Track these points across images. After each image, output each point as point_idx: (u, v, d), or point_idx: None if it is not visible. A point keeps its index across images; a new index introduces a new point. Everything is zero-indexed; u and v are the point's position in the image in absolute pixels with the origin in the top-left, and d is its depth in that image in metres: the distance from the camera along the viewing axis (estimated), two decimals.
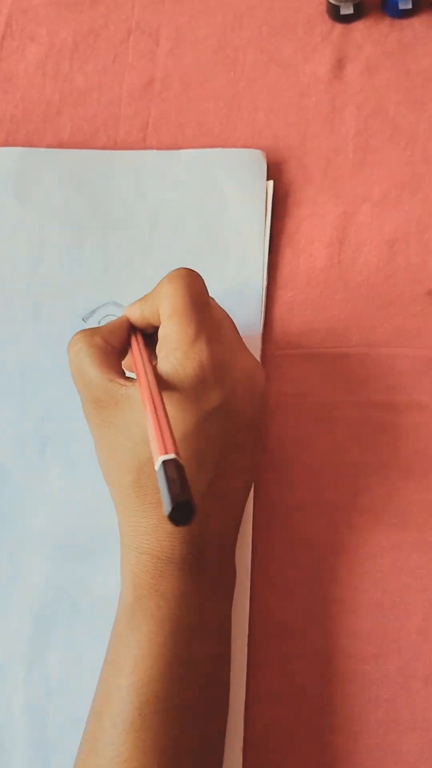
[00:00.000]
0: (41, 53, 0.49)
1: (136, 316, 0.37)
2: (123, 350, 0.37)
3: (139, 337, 0.37)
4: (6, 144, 0.46)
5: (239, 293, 0.42)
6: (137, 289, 0.43)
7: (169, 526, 0.32)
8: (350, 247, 0.43)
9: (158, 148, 0.46)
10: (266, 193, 0.43)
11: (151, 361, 0.35)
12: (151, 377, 0.32)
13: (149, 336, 0.38)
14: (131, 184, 0.44)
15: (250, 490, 0.37)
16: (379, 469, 0.39)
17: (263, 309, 0.42)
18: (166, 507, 0.25)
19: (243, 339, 0.38)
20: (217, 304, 0.38)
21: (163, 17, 0.48)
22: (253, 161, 0.44)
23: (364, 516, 0.39)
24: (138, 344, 0.36)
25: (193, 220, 0.43)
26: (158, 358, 0.34)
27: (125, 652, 0.32)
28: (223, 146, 0.45)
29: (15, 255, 0.44)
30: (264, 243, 0.43)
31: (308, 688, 0.37)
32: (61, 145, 0.46)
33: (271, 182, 0.43)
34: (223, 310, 0.38)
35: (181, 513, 0.25)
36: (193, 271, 0.36)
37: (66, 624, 0.38)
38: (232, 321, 0.38)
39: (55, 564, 0.39)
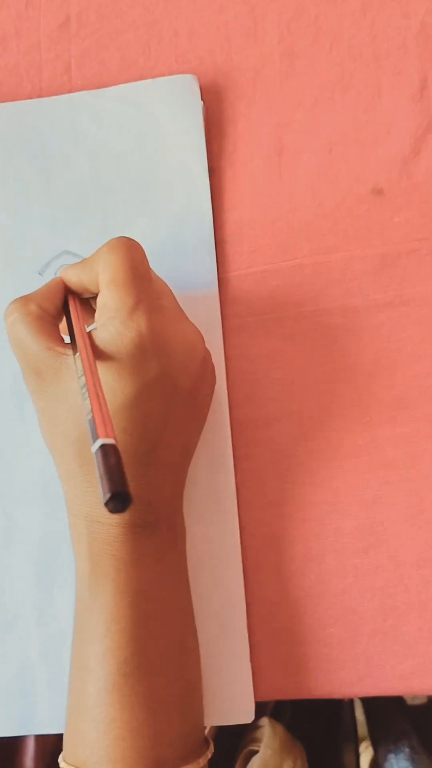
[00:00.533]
0: None
1: (74, 280, 0.37)
2: (58, 314, 0.37)
3: (77, 302, 0.37)
4: None
5: (189, 222, 0.42)
6: (88, 235, 0.43)
7: None
8: (289, 157, 0.42)
9: (83, 87, 0.45)
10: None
11: (85, 329, 0.35)
12: (89, 350, 0.32)
13: (85, 300, 0.38)
14: (66, 129, 0.44)
15: (192, 453, 0.38)
16: (346, 373, 0.40)
17: (213, 233, 0.42)
18: (103, 495, 0.25)
19: (197, 263, 0.38)
20: (157, 275, 0.38)
21: None
22: (185, 86, 0.43)
23: (336, 420, 0.39)
24: (76, 311, 0.36)
25: (133, 155, 0.43)
26: (96, 327, 0.34)
27: (94, 619, 0.33)
28: (149, 76, 0.44)
29: None
30: (204, 166, 0.42)
31: (304, 588, 0.38)
32: None
33: (201, 103, 0.43)
34: (162, 281, 0.38)
35: (117, 501, 0.25)
36: (134, 240, 0.35)
37: (67, 566, 0.39)
38: (170, 291, 0.38)
39: (49, 513, 0.40)
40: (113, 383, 0.33)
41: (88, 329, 0.35)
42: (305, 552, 0.38)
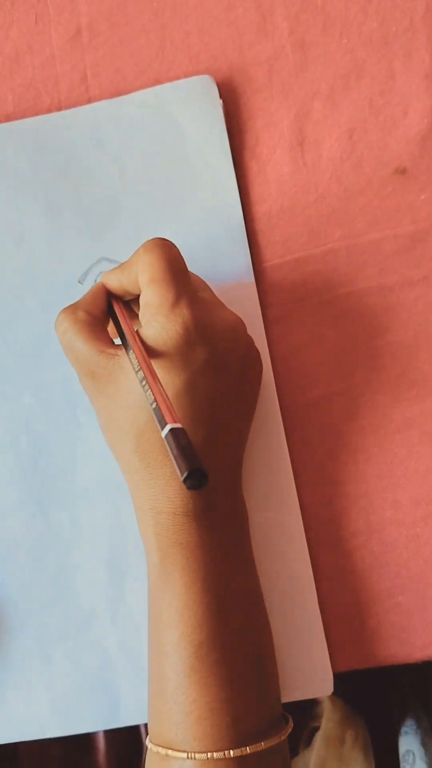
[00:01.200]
0: None
1: (115, 284, 0.38)
2: (105, 318, 0.38)
3: (121, 304, 0.38)
4: None
5: (219, 219, 0.43)
6: (122, 240, 0.44)
7: (176, 483, 0.34)
8: (311, 146, 0.43)
9: (102, 96, 0.46)
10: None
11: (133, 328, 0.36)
12: (140, 345, 0.34)
13: (127, 303, 0.39)
14: (90, 139, 0.45)
15: (246, 437, 0.39)
16: (387, 348, 0.41)
17: (244, 226, 0.43)
18: (180, 474, 0.27)
19: (231, 257, 0.39)
20: (192, 273, 0.39)
21: None
22: (203, 87, 0.44)
23: (383, 396, 0.41)
24: (122, 312, 0.37)
25: (158, 158, 0.44)
26: (141, 325, 0.35)
27: (167, 607, 0.35)
28: (165, 79, 0.45)
29: None
30: (229, 162, 0.44)
31: (368, 561, 0.39)
32: (8, 117, 0.47)
33: (220, 102, 0.44)
34: (199, 277, 0.39)
35: (195, 479, 0.27)
36: (168, 240, 0.37)
37: (136, 560, 0.41)
38: (207, 285, 0.39)
39: (113, 510, 0.41)
40: (164, 376, 0.34)
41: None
42: (366, 526, 0.40)
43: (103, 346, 0.36)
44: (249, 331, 0.40)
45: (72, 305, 0.38)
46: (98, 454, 0.42)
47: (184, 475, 0.26)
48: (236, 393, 0.37)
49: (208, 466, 0.35)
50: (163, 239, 0.37)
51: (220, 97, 0.44)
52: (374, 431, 0.40)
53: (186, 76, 0.45)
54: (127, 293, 0.38)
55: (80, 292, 0.43)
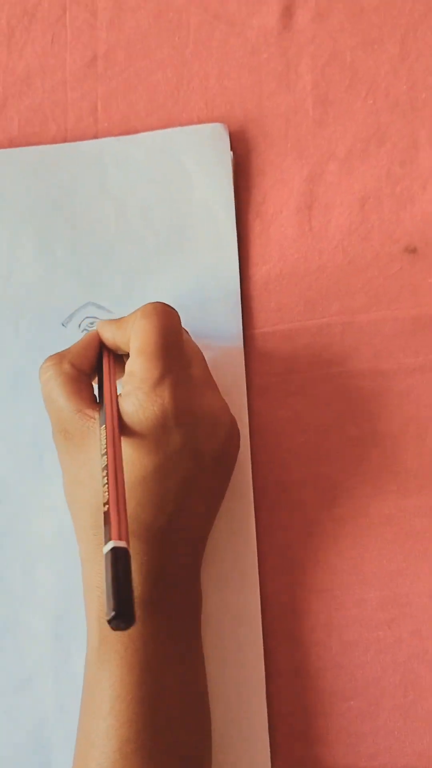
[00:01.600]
0: None
1: (109, 337, 0.37)
2: (92, 372, 0.37)
3: (112, 360, 0.37)
4: None
5: (215, 276, 0.41)
6: (113, 286, 0.42)
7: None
8: (320, 210, 0.41)
9: (110, 130, 0.44)
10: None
11: (116, 391, 0.35)
12: (115, 419, 0.32)
13: (119, 357, 0.37)
14: (92, 175, 0.43)
15: (212, 522, 0.37)
16: (374, 438, 0.39)
17: (239, 288, 0.41)
18: (107, 610, 0.25)
19: (222, 318, 0.38)
20: (190, 338, 0.37)
21: None
22: (215, 136, 0.42)
23: (363, 487, 0.39)
24: (109, 372, 0.36)
25: (160, 205, 0.42)
26: (122, 394, 0.34)
27: (100, 694, 0.33)
28: (177, 120, 0.43)
29: None
30: (232, 219, 0.41)
31: (324, 659, 0.38)
32: (11, 141, 0.45)
33: (231, 153, 0.42)
34: (194, 345, 0.37)
35: (120, 621, 0.25)
36: (169, 307, 0.35)
37: (84, 625, 0.39)
38: (202, 357, 0.37)
39: (67, 568, 0.40)
40: (133, 455, 0.33)
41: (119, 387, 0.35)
42: (327, 622, 0.38)
43: (82, 406, 0.35)
44: (231, 400, 0.38)
45: (60, 354, 0.37)
46: (60, 509, 0.40)
47: (110, 615, 0.24)
48: (208, 479, 0.35)
49: (163, 555, 0.34)
50: (164, 305, 0.35)
51: (232, 147, 0.42)
52: (348, 523, 0.38)
53: (200, 119, 0.43)
54: (119, 349, 0.37)
55: (63, 335, 0.42)
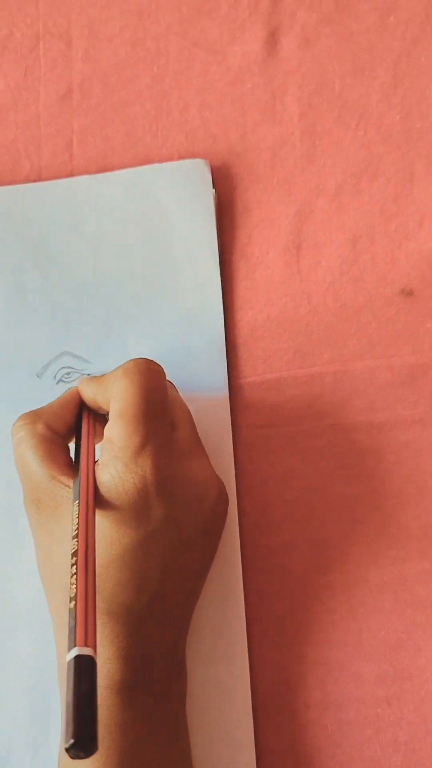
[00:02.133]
0: None
1: (89, 396, 0.34)
2: (69, 434, 0.34)
3: (92, 420, 0.34)
4: None
5: (198, 322, 0.39)
6: (89, 334, 0.39)
7: (106, 650, 0.30)
8: (309, 251, 0.38)
9: (86, 167, 0.41)
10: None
11: (94, 458, 0.32)
12: (91, 494, 0.29)
13: (101, 417, 0.35)
14: (67, 216, 0.40)
15: (198, 596, 0.35)
16: (369, 497, 0.36)
17: (224, 335, 0.38)
18: (66, 736, 0.21)
19: (206, 367, 0.35)
20: (177, 395, 0.35)
21: (72, 12, 0.43)
22: (196, 172, 0.39)
23: (359, 551, 0.36)
24: (87, 436, 0.33)
25: (138, 247, 0.40)
26: (99, 463, 0.31)
27: None
28: (156, 155, 0.41)
29: None
30: (215, 261, 0.39)
31: (321, 739, 0.35)
32: None
33: (212, 190, 0.39)
34: (183, 405, 0.35)
35: (79, 749, 0.21)
36: (153, 363, 0.32)
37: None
38: (190, 418, 0.35)
39: (44, 639, 0.37)
40: (111, 532, 0.30)
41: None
42: (322, 698, 0.35)
43: (56, 471, 0.32)
44: (216, 454, 0.35)
45: (35, 412, 0.34)
46: (36, 577, 0.37)
47: (68, 742, 0.21)
48: (193, 555, 0.33)
49: (144, 636, 0.31)
50: (147, 362, 0.33)
51: (214, 184, 0.39)
52: (343, 590, 0.36)
53: (180, 153, 0.40)
54: (101, 409, 0.34)
55: (37, 386, 0.39)
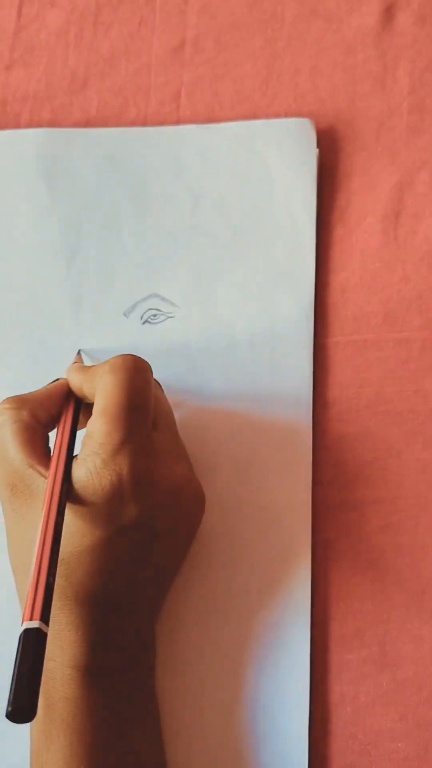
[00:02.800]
0: (62, 19, 0.45)
1: (76, 385, 0.34)
2: (52, 424, 0.34)
3: (69, 417, 0.34)
4: (30, 123, 0.43)
5: (288, 279, 0.39)
6: (179, 279, 0.40)
7: (72, 634, 0.31)
8: (408, 220, 0.39)
9: (192, 118, 0.42)
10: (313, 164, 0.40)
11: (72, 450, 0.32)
12: (58, 489, 0.30)
13: (88, 405, 0.35)
14: (169, 163, 0.41)
15: (168, 589, 0.35)
16: None
17: (314, 293, 0.39)
18: (8, 702, 0.23)
19: (292, 323, 0.36)
20: (161, 395, 0.35)
21: None
22: (301, 131, 0.40)
23: (430, 516, 0.36)
24: (65, 426, 0.33)
25: (237, 199, 0.40)
26: (78, 457, 0.31)
27: (47, 766, 0.30)
28: (264, 114, 0.41)
29: (49, 245, 0.41)
30: (312, 220, 0.39)
31: (375, 696, 0.35)
32: (88, 122, 0.43)
33: (316, 151, 0.40)
34: (167, 405, 0.35)
35: (17, 716, 0.23)
36: (141, 361, 0.32)
37: None
38: (172, 419, 0.35)
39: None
40: (82, 525, 0.30)
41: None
42: (380, 656, 0.35)
43: (33, 460, 0.31)
44: (294, 413, 0.36)
45: (21, 397, 0.34)
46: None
47: (7, 709, 0.23)
48: (163, 552, 0.33)
49: (110, 625, 0.31)
50: (135, 359, 0.32)
51: (318, 145, 0.40)
52: (411, 552, 0.36)
53: (287, 114, 0.41)
54: (86, 398, 0.34)
55: (123, 326, 0.40)
